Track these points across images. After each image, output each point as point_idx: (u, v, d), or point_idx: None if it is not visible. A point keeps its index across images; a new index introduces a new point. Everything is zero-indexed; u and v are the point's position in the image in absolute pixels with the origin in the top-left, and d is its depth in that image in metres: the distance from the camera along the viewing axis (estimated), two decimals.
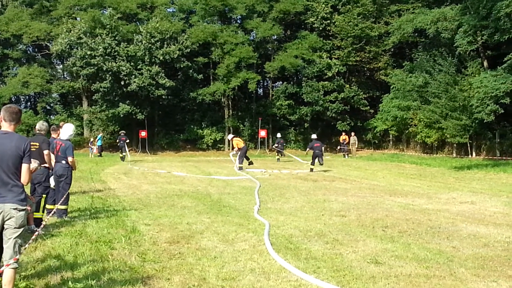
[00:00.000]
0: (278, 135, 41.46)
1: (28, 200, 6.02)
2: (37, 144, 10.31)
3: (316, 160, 25.75)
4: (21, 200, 5.58)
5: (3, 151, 5.55)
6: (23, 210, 5.58)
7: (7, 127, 5.71)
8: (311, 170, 25.60)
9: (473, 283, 6.70)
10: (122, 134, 37.01)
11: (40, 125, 10.79)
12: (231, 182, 19.96)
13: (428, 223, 10.86)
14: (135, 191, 16.92)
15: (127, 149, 35.94)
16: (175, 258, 7.82)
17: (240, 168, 25.94)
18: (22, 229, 5.59)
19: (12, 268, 5.44)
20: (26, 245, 6.49)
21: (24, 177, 5.69)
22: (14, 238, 5.51)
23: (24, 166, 5.68)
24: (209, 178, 21.86)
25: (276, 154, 38.83)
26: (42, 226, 8.45)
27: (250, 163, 27.16)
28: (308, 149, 27.86)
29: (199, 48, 46.74)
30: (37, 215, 10.00)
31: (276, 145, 38.77)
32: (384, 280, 6.78)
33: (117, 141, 38.15)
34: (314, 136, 29.42)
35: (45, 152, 10.41)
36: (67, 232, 9.63)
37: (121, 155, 35.75)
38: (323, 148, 27.06)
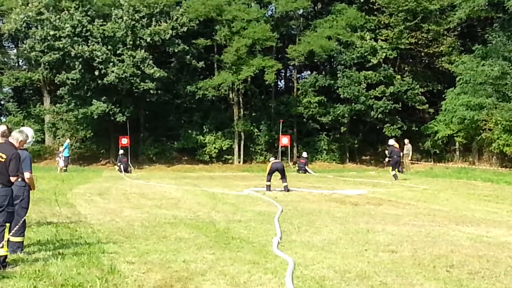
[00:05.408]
0: (304, 154, 41.76)
1: None
2: (4, 156, 9.90)
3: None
4: None
5: None
6: None
7: None
8: (395, 177, 30.56)
9: None
10: (122, 155, 42.85)
11: (2, 129, 10.31)
12: (242, 207, 19.92)
13: (508, 262, 10.79)
14: (113, 217, 16.95)
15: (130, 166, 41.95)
16: None
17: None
18: None
19: None
20: None
21: None
22: None
23: None
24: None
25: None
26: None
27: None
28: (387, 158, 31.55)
29: (199, 26, 47.01)
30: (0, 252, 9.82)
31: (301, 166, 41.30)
32: None
33: (118, 163, 42.59)
34: (391, 141, 32.73)
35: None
36: (23, 272, 9.60)
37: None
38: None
